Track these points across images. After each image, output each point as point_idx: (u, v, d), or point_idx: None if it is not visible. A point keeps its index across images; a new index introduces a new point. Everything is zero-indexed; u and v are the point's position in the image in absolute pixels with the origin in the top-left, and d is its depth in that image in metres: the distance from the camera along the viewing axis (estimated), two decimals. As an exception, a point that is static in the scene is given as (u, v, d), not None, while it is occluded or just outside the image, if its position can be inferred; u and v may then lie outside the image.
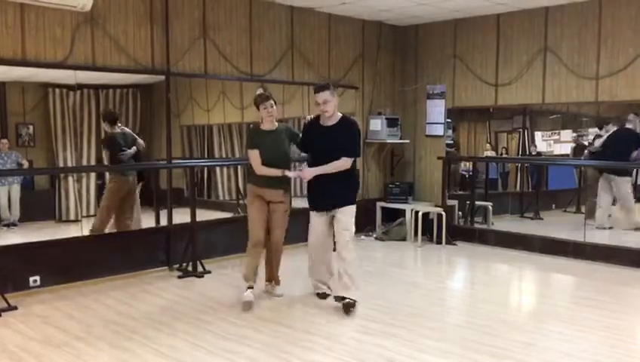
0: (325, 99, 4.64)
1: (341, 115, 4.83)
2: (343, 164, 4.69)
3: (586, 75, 6.73)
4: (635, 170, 7.37)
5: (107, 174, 6.72)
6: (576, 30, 6.79)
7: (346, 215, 4.78)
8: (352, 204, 4.84)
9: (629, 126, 7.22)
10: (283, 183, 4.94)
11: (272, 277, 5.21)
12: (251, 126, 4.93)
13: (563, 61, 6.90)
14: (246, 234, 5.01)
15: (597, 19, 6.61)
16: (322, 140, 4.77)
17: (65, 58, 5.40)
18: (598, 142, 7.51)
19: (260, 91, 7.24)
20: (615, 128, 7.38)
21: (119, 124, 6.52)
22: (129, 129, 6.72)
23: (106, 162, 6.69)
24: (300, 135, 5.04)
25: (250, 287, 4.89)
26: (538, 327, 4.42)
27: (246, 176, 5.17)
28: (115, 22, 5.67)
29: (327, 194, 4.79)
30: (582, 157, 8.05)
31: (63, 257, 5.43)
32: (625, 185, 7.34)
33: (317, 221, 4.95)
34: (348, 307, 4.64)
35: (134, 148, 6.43)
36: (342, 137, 4.71)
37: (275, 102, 4.95)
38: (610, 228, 7.42)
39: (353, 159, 4.79)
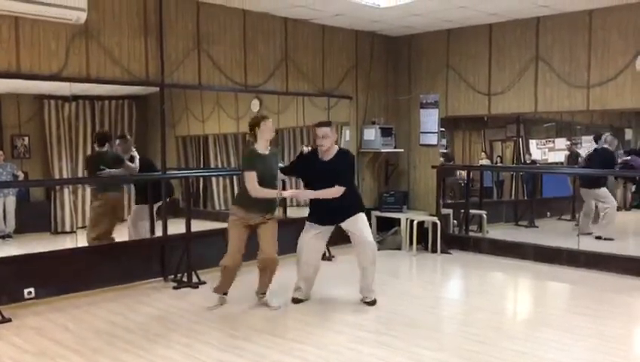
0: (325, 134, 4.98)
1: (337, 148, 5.16)
2: (337, 191, 4.96)
3: (578, 83, 6.79)
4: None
5: (89, 194, 6.76)
6: (567, 40, 6.85)
7: (358, 222, 5.10)
8: (362, 211, 5.18)
9: (604, 146, 7.69)
10: (271, 208, 5.08)
11: (265, 290, 5.19)
12: (250, 147, 5.05)
13: (555, 70, 6.97)
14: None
15: (587, 29, 6.68)
16: (322, 174, 5.04)
17: (59, 70, 5.42)
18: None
19: (256, 103, 7.31)
20: (594, 147, 7.86)
21: (107, 145, 6.50)
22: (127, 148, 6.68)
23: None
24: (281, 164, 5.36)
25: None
26: (532, 336, 4.44)
27: (235, 198, 5.28)
28: (109, 34, 5.70)
29: (332, 210, 5.06)
30: (576, 166, 8.20)
31: (57, 269, 5.42)
32: (601, 193, 7.75)
33: (311, 232, 5.16)
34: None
35: (121, 169, 6.36)
36: (339, 170, 5.04)
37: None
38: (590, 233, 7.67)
39: (344, 187, 5.02)
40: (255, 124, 4.98)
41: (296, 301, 5.25)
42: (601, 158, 7.63)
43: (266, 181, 4.91)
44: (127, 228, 6.63)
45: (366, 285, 5.19)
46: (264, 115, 5.14)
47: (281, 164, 5.30)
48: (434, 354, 4.05)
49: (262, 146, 4.99)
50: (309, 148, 5.27)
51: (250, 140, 5.09)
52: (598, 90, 6.65)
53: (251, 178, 4.85)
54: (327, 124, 5.14)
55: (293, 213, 7.92)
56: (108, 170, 6.23)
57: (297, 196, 5.15)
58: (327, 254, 6.87)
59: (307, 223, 5.22)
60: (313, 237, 5.16)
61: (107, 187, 6.44)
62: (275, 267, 5.03)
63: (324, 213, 5.11)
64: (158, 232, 6.27)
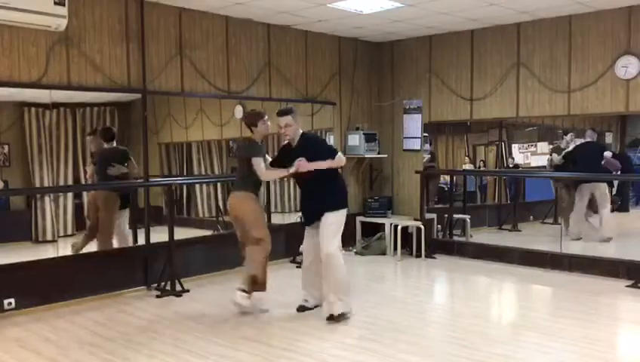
0: (287, 122, 4.95)
1: (301, 132, 5.09)
2: (337, 161, 4.95)
3: (558, 88, 6.87)
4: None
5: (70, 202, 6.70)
6: (547, 45, 6.93)
7: (324, 226, 4.93)
8: (336, 209, 4.99)
9: (589, 140, 7.68)
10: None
11: (244, 281, 5.09)
12: (251, 140, 5.15)
13: (536, 75, 7.04)
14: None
15: (567, 35, 6.77)
16: (292, 160, 4.96)
17: (39, 77, 5.37)
18: (557, 157, 7.97)
19: (239, 110, 7.28)
20: (579, 142, 7.82)
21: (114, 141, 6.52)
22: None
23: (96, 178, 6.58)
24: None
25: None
26: (516, 339, 4.46)
27: (239, 185, 5.23)
28: (90, 41, 5.66)
29: (309, 205, 5.10)
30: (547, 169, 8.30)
31: (38, 279, 5.35)
32: (602, 187, 7.69)
33: (306, 235, 5.20)
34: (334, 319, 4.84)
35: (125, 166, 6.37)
36: (308, 152, 4.90)
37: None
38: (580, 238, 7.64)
39: (339, 155, 5.00)
40: (252, 123, 5.08)
41: (300, 309, 5.15)
42: (592, 150, 7.61)
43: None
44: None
45: (323, 295, 4.99)
46: (260, 112, 5.20)
47: (268, 157, 5.35)
48: (418, 359, 4.05)
49: (258, 140, 5.13)
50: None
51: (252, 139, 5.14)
52: (578, 95, 6.73)
53: (260, 163, 4.95)
54: (288, 111, 5.04)
55: (278, 219, 7.92)
56: (118, 165, 6.26)
57: (299, 167, 4.88)
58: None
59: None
60: (309, 239, 5.16)
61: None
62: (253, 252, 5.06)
63: (305, 209, 5.17)
64: (141, 240, 6.21)
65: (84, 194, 7.18)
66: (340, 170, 5.27)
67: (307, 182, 5.07)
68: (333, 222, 4.94)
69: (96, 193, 6.49)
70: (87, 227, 6.48)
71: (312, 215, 5.05)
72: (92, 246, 6.93)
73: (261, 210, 5.27)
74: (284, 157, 5.12)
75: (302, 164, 4.85)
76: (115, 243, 6.45)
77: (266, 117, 5.13)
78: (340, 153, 5.03)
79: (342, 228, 5.02)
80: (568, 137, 7.98)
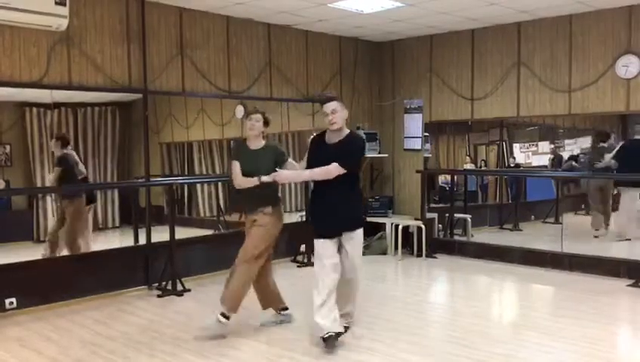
0: (334, 108, 4.26)
1: (349, 131, 4.39)
2: (330, 169, 4.14)
3: (559, 88, 6.86)
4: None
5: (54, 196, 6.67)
6: (548, 45, 6.93)
7: (355, 247, 4.36)
8: (359, 228, 4.38)
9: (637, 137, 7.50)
10: (264, 206, 4.58)
11: (227, 303, 4.54)
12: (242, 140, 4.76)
13: (536, 75, 7.04)
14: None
15: (568, 34, 6.76)
16: (322, 159, 4.23)
17: (41, 78, 5.38)
18: (607, 157, 7.64)
19: (240, 109, 7.28)
20: (622, 141, 7.63)
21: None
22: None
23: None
24: (285, 155, 4.68)
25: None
26: (517, 339, 4.46)
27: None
28: (91, 41, 5.67)
29: (329, 214, 4.30)
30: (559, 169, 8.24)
31: (39, 278, 5.35)
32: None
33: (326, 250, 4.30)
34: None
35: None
36: (341, 153, 4.23)
37: (267, 120, 4.72)
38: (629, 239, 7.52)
39: (345, 170, 4.18)
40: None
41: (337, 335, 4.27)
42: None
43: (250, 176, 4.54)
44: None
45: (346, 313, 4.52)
46: (250, 111, 4.75)
47: (291, 160, 4.70)
48: (420, 359, 4.05)
49: (251, 141, 4.69)
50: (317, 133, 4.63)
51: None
52: (579, 95, 6.73)
53: (233, 167, 4.63)
54: (334, 98, 4.37)
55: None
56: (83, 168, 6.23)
57: (277, 179, 4.32)
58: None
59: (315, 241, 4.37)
60: (331, 259, 4.26)
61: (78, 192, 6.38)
62: (239, 276, 4.51)
63: (323, 218, 4.34)
64: (142, 240, 6.22)
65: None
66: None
67: (322, 187, 4.34)
68: (360, 242, 4.43)
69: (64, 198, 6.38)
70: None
71: (333, 228, 4.31)
72: (94, 246, 6.96)
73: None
74: (321, 155, 4.29)
75: (280, 175, 4.32)
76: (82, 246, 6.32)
77: (248, 119, 4.66)
78: (339, 169, 4.16)
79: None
80: (612, 138, 7.83)
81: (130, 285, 5.95)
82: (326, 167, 4.14)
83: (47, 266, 5.63)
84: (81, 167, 6.46)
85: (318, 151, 4.35)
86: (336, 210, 4.27)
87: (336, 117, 4.25)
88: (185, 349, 4.27)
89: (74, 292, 5.53)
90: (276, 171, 4.38)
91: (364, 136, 4.84)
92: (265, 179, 4.41)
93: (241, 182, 4.58)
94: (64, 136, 6.55)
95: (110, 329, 4.79)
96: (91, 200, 6.78)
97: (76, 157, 6.41)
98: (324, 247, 4.26)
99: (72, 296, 5.50)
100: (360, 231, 4.37)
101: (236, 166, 4.62)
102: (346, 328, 4.43)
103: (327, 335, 4.14)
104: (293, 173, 4.52)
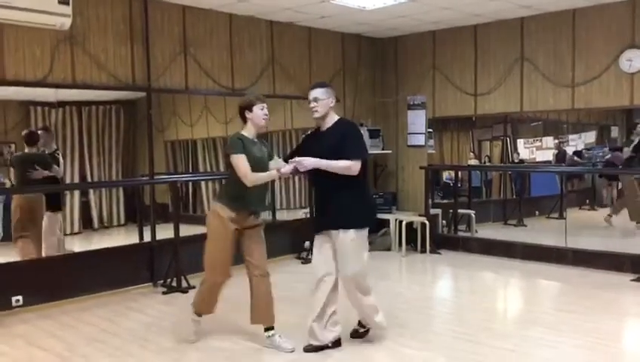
0: (316, 96, 4.06)
1: (337, 118, 4.17)
2: (348, 165, 3.91)
3: (562, 83, 6.85)
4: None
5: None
6: (551, 39, 6.91)
7: (344, 244, 4.00)
8: (353, 228, 4.01)
9: None
10: (263, 207, 4.32)
11: (267, 319, 4.22)
12: (237, 132, 4.18)
13: (539, 70, 7.02)
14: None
15: (571, 29, 6.75)
16: (311, 147, 4.09)
17: (45, 76, 5.40)
18: (627, 150, 7.61)
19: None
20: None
21: (36, 146, 6.25)
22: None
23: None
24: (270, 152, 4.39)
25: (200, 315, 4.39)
26: (522, 334, 4.46)
27: (218, 194, 4.28)
28: (94, 40, 5.69)
29: (325, 210, 4.12)
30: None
31: (45, 276, 5.39)
32: None
33: (316, 244, 4.20)
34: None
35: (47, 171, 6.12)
36: (334, 140, 3.99)
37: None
38: None
39: (359, 162, 3.97)
40: (246, 106, 4.10)
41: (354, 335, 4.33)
42: None
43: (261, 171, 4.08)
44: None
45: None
46: (258, 96, 4.21)
47: (277, 158, 4.36)
48: (423, 354, 4.07)
49: (251, 133, 4.13)
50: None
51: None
52: (582, 89, 6.71)
53: (242, 161, 3.94)
54: (320, 85, 4.16)
55: (283, 215, 7.94)
56: (41, 170, 6.02)
57: (300, 166, 3.93)
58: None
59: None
60: (321, 254, 4.15)
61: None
62: (268, 281, 4.23)
63: (317, 213, 4.26)
64: (147, 237, 6.25)
65: (76, 193, 7.23)
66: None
67: (321, 182, 4.13)
68: (352, 240, 4.03)
69: (25, 198, 6.13)
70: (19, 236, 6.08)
71: (319, 223, 4.18)
72: (99, 244, 7.01)
73: (220, 229, 4.07)
74: (308, 146, 4.18)
75: (303, 163, 3.93)
76: (47, 249, 6.15)
77: (265, 104, 4.17)
78: (357, 162, 3.95)
79: (365, 250, 4.17)
80: (638, 128, 7.80)
81: (136, 282, 5.98)
82: (343, 161, 3.91)
83: (53, 264, 5.66)
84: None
85: (310, 143, 4.18)
86: (326, 206, 4.10)
87: (319, 105, 4.07)
88: (190, 346, 4.29)
89: (79, 289, 5.56)
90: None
91: (355, 123, 4.56)
92: (285, 170, 4.02)
93: (258, 178, 4.00)
94: (26, 134, 6.31)
95: (116, 326, 4.82)
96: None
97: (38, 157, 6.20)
98: (315, 240, 4.19)
99: (77, 294, 5.53)
100: (349, 233, 3.98)
101: (245, 160, 3.98)
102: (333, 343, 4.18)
103: (307, 345, 4.15)
104: (315, 161, 3.95)
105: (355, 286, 4.11)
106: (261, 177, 4.02)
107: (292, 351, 4.12)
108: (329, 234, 4.06)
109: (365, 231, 4.10)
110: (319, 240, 4.15)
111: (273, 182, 6.61)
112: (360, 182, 4.07)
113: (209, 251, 4.17)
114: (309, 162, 3.93)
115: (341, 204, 4.01)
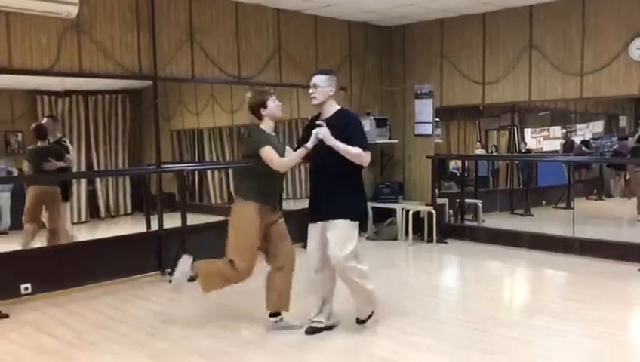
0: (315, 83, 4.05)
1: (339, 107, 4.16)
2: (360, 152, 3.95)
3: (571, 71, 6.79)
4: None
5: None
6: (560, 27, 6.85)
7: (335, 230, 4.04)
8: (344, 218, 4.04)
9: None
10: (281, 202, 4.60)
11: (284, 305, 4.34)
12: (257, 127, 4.24)
13: (548, 58, 6.96)
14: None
15: (581, 16, 6.68)
16: (310, 135, 4.02)
17: (51, 65, 5.40)
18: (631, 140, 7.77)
19: (250, 94, 7.24)
20: None
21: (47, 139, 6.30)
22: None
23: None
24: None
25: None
26: (528, 323, 4.46)
27: (242, 191, 4.31)
28: (101, 28, 5.68)
29: (319, 199, 4.17)
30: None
31: (53, 264, 5.42)
32: None
33: (311, 234, 4.25)
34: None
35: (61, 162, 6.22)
36: (338, 130, 3.96)
37: None
38: None
39: (369, 154, 4.04)
40: (261, 104, 4.18)
41: (310, 330, 4.26)
42: None
43: None
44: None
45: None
46: (266, 90, 4.34)
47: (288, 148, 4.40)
48: (429, 342, 4.07)
49: (269, 127, 4.21)
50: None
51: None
52: (591, 78, 6.65)
53: (272, 152, 4.02)
54: (322, 71, 4.16)
55: (289, 205, 7.95)
56: (54, 161, 6.10)
57: (320, 134, 3.90)
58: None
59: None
60: (313, 240, 4.21)
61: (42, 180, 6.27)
62: (293, 269, 4.35)
63: (311, 202, 4.23)
64: (154, 226, 6.27)
65: (83, 182, 7.25)
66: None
67: (317, 170, 4.19)
68: (340, 229, 4.05)
69: (41, 188, 6.20)
70: (28, 220, 6.16)
71: (315, 213, 4.18)
72: (107, 232, 7.04)
73: (250, 223, 4.14)
74: (307, 132, 4.14)
75: (323, 132, 3.90)
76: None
77: (275, 96, 4.27)
78: (368, 153, 4.02)
79: (354, 239, 4.13)
80: None
81: (143, 271, 6.01)
82: (355, 148, 3.93)
83: (62, 252, 5.69)
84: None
85: (310, 131, 4.07)
86: (320, 195, 4.15)
87: (317, 92, 4.05)
88: (198, 333, 4.31)
89: (88, 277, 5.59)
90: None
91: (354, 113, 4.54)
92: (310, 143, 3.96)
93: (290, 161, 4.12)
94: (35, 128, 6.34)
95: (123, 313, 4.85)
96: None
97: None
98: (310, 229, 4.24)
99: (85, 282, 5.56)
100: (341, 222, 4.02)
101: (274, 150, 4.06)
102: (321, 328, 4.24)
103: (307, 327, 4.26)
104: (330, 137, 3.93)
105: (339, 275, 4.16)
106: (293, 158, 4.11)
107: (302, 327, 4.28)
108: (323, 225, 4.10)
109: (356, 224, 4.11)
110: (313, 230, 4.20)
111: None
112: (357, 176, 4.13)
113: (243, 247, 4.19)
114: (327, 133, 3.91)
115: (337, 196, 4.05)
